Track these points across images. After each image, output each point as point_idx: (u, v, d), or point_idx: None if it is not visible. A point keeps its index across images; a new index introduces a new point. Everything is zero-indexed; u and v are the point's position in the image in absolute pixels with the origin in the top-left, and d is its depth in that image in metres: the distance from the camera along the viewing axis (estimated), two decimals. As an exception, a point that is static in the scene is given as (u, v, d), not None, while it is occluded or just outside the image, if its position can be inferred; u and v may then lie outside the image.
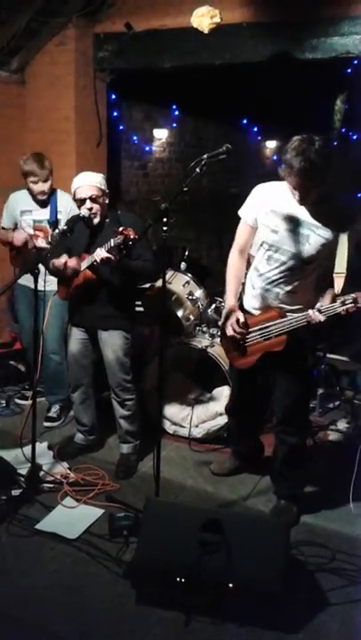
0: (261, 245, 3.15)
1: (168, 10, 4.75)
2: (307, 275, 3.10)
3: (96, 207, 3.54)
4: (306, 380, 3.34)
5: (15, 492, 3.45)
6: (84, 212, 3.53)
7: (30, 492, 3.46)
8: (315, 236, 3.01)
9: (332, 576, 2.95)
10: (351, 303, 2.85)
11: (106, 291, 3.64)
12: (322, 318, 2.94)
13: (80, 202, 3.55)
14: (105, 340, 3.73)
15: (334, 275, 3.09)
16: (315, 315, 2.95)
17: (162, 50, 4.91)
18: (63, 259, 3.62)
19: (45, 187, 4.19)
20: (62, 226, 3.55)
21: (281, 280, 3.12)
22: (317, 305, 3.02)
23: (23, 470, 3.58)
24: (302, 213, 3.03)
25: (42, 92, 5.23)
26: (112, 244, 3.30)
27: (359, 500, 3.49)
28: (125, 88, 5.80)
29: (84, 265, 3.58)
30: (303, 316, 3.01)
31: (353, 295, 2.87)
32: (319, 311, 2.96)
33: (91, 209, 3.52)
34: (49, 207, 4.27)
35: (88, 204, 3.51)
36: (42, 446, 3.97)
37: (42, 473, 3.62)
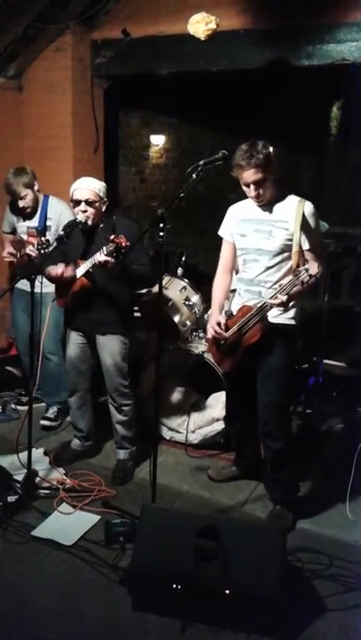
0: (239, 254, 3.42)
1: (165, 16, 4.76)
2: (281, 268, 3.25)
3: (90, 211, 3.53)
4: (286, 382, 3.32)
5: (11, 499, 3.43)
6: (80, 216, 3.53)
7: (26, 499, 3.45)
8: (276, 229, 3.22)
9: (329, 582, 2.95)
10: (304, 273, 2.93)
11: (103, 296, 3.64)
12: (283, 298, 3.05)
13: (75, 203, 3.55)
14: (103, 344, 3.73)
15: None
16: (273, 298, 3.08)
17: (159, 56, 4.93)
18: (60, 268, 3.62)
19: (26, 202, 4.22)
20: (60, 232, 3.55)
21: (260, 278, 3.29)
22: (275, 286, 3.20)
23: (19, 476, 3.57)
24: (263, 214, 3.30)
25: (39, 99, 5.24)
26: (105, 252, 3.31)
27: (356, 506, 3.49)
28: (122, 94, 5.81)
29: (80, 271, 3.58)
30: (263, 301, 3.18)
31: (305, 266, 2.96)
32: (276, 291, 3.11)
33: (85, 211, 3.52)
34: (38, 214, 4.30)
35: (83, 206, 3.51)
36: (38, 452, 3.96)
37: (38, 479, 3.61)
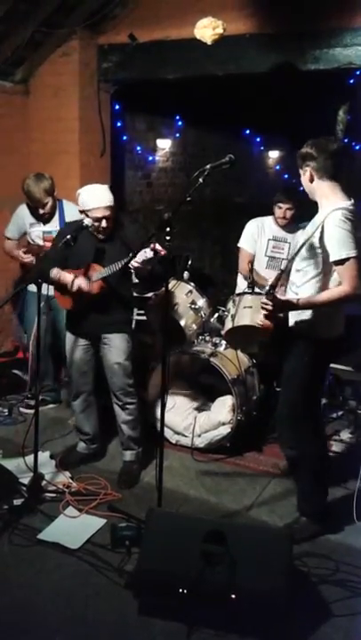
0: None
1: (171, 21, 4.78)
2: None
3: (109, 224, 3.60)
4: (298, 391, 3.24)
5: (17, 502, 3.43)
6: (87, 221, 3.56)
7: (32, 502, 3.45)
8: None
9: (335, 587, 2.93)
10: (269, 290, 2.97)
11: (112, 297, 3.69)
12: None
13: (95, 220, 3.57)
14: (109, 344, 3.76)
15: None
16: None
17: (165, 61, 4.94)
18: (70, 276, 3.63)
19: (46, 209, 4.29)
20: (68, 237, 3.58)
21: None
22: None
23: (25, 480, 3.57)
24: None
25: (46, 103, 5.26)
26: (140, 259, 3.33)
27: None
28: (129, 99, 5.83)
29: (98, 275, 3.61)
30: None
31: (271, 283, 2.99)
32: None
33: (105, 227, 3.59)
34: (57, 218, 4.34)
35: (104, 222, 3.58)
36: (44, 455, 3.96)
37: (44, 482, 3.61)
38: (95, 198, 3.55)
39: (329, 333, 3.18)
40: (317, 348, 3.17)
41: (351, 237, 2.95)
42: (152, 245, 3.30)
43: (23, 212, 4.49)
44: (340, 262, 2.95)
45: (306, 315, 3.13)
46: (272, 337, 3.23)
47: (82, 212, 3.60)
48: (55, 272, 3.69)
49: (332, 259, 2.98)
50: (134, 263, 3.37)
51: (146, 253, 3.27)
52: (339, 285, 3.02)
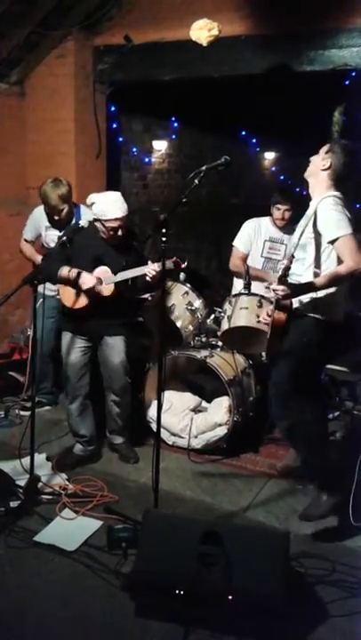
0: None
1: (167, 23, 4.78)
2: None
3: (123, 232, 3.70)
4: (290, 367, 3.28)
5: (13, 504, 3.43)
6: (83, 222, 3.62)
7: (28, 504, 3.44)
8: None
9: (332, 588, 2.93)
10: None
11: (120, 300, 3.77)
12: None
13: (111, 229, 3.65)
14: (111, 345, 3.84)
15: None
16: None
17: (161, 62, 4.94)
18: (91, 277, 3.67)
19: (62, 216, 4.29)
20: (63, 237, 3.60)
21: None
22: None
23: (22, 482, 3.56)
24: None
25: (41, 105, 5.25)
26: (159, 268, 3.47)
27: (359, 511, 3.48)
28: (125, 100, 5.83)
29: (116, 278, 3.68)
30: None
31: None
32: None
33: (119, 235, 3.68)
34: (74, 222, 4.32)
35: (119, 232, 3.67)
36: (40, 457, 3.96)
37: (40, 484, 3.60)
38: (113, 209, 3.62)
39: (330, 316, 3.26)
40: (318, 329, 3.24)
41: (344, 218, 3.08)
42: (174, 259, 3.51)
43: (39, 214, 4.48)
44: (337, 241, 3.05)
45: (308, 297, 3.21)
46: (281, 337, 3.25)
47: (96, 220, 3.66)
48: (74, 272, 3.67)
49: (328, 239, 3.08)
50: (152, 271, 3.51)
51: (166, 265, 3.39)
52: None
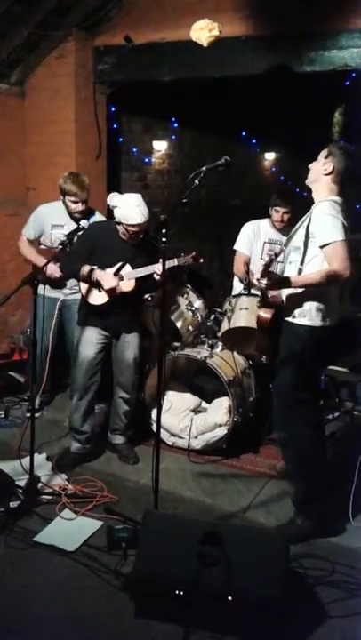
0: None
1: (167, 23, 4.79)
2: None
3: (143, 234, 3.77)
4: (289, 376, 3.28)
5: (13, 504, 3.43)
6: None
7: (28, 504, 3.44)
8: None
9: (331, 589, 2.93)
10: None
11: (135, 297, 3.86)
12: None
13: (133, 233, 3.71)
14: (128, 341, 3.94)
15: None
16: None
17: (161, 62, 4.95)
18: (114, 280, 3.73)
19: (84, 207, 4.29)
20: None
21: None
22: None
23: (21, 482, 3.56)
24: None
25: (42, 105, 5.26)
26: (182, 263, 3.62)
27: (359, 512, 3.48)
28: (125, 100, 5.83)
29: (136, 274, 3.75)
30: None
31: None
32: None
33: (140, 237, 3.76)
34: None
35: (140, 235, 3.75)
36: (40, 458, 3.96)
37: (40, 485, 3.61)
38: (134, 215, 3.66)
39: (323, 321, 3.24)
40: (310, 335, 3.23)
41: (339, 224, 3.07)
42: (194, 253, 3.60)
43: (46, 210, 4.45)
44: (327, 247, 3.05)
45: (299, 302, 3.22)
46: (269, 336, 3.26)
47: (118, 223, 3.72)
48: (97, 272, 3.75)
49: (319, 244, 3.08)
50: (173, 267, 3.62)
51: (185, 259, 3.53)
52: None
